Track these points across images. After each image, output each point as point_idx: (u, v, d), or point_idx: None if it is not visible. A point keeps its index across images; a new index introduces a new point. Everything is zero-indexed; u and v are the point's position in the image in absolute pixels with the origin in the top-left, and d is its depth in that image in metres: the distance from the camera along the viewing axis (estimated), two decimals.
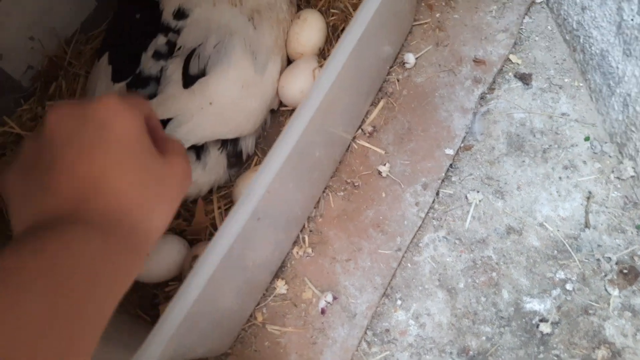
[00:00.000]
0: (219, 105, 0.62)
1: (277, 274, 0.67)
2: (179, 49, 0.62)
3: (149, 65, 0.60)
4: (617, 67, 0.65)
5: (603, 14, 0.66)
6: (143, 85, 0.59)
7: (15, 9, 0.66)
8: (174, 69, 0.61)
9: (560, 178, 0.70)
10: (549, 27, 0.81)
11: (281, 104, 0.75)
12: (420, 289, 0.66)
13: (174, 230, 0.67)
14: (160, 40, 0.61)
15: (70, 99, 0.74)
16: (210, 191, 0.69)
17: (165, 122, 0.59)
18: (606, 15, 0.65)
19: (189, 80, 0.60)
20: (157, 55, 0.61)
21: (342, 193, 0.72)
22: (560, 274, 0.64)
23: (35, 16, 0.70)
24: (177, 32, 0.62)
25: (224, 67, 0.62)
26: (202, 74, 0.61)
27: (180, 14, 0.63)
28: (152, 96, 0.59)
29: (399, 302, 0.65)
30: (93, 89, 0.60)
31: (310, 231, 0.69)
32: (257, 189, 0.45)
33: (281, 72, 0.73)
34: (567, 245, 0.65)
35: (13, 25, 0.68)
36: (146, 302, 0.65)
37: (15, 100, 0.73)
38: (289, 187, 0.56)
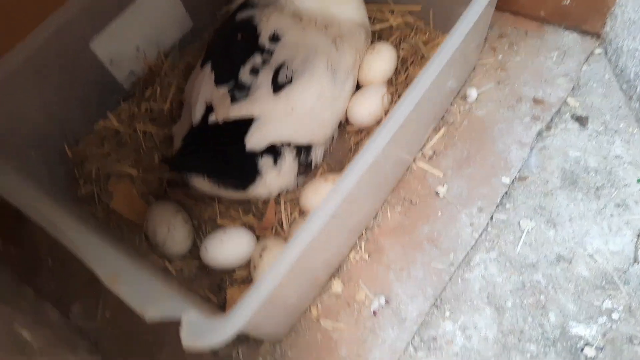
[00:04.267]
0: (299, 112, 0.70)
1: (334, 275, 0.72)
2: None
3: (245, 77, 0.69)
4: None
5: None
6: (239, 89, 0.68)
7: (130, 24, 0.77)
8: (264, 77, 0.69)
9: (612, 215, 0.73)
10: (606, 76, 0.85)
11: (348, 122, 0.82)
12: (469, 303, 0.69)
13: (244, 225, 0.74)
14: (257, 59, 0.70)
15: (162, 101, 0.83)
16: (279, 195, 0.76)
17: (250, 122, 0.67)
18: None
19: (277, 87, 0.68)
20: (253, 71, 0.69)
21: (399, 208, 0.77)
22: (607, 303, 0.66)
23: (144, 30, 0.81)
24: (271, 53, 0.71)
25: (307, 79, 0.70)
26: (289, 82, 0.69)
27: (275, 38, 0.72)
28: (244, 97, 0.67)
29: (447, 313, 0.69)
30: (197, 90, 0.69)
31: (367, 239, 0.74)
32: (337, 196, 0.52)
33: (352, 94, 0.80)
34: (616, 278, 0.68)
35: (125, 37, 0.78)
36: (214, 286, 0.71)
37: (116, 100, 0.83)
38: (358, 196, 0.62)
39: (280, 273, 0.48)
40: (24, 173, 0.69)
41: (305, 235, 0.51)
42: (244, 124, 0.67)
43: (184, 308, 0.45)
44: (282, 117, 0.69)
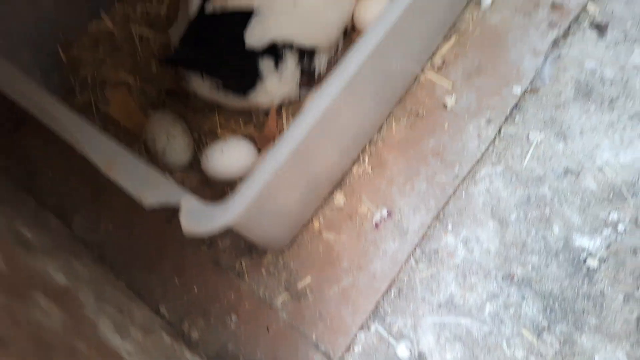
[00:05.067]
0: (302, 7, 0.66)
1: (337, 187, 0.71)
2: None
3: None
4: None
5: None
6: None
7: None
8: None
9: (624, 127, 0.70)
10: None
11: (354, 29, 0.78)
12: (472, 217, 0.68)
13: (246, 136, 0.72)
14: None
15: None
16: (280, 106, 0.73)
17: (249, 15, 0.63)
18: None
19: None
20: None
21: (405, 121, 0.74)
22: (613, 216, 0.65)
23: None
24: None
25: None
26: None
27: None
28: None
29: (449, 226, 0.68)
30: None
31: (371, 153, 0.73)
32: (334, 86, 0.49)
33: None
34: (624, 190, 0.66)
35: None
36: (217, 197, 0.70)
37: (110, 1, 0.78)
38: (358, 94, 0.59)
39: (278, 160, 0.47)
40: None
41: (303, 124, 0.49)
42: (243, 17, 0.63)
43: (182, 194, 0.45)
44: (284, 12, 0.65)
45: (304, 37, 0.68)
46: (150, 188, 0.45)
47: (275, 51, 0.66)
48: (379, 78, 0.65)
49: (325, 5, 0.68)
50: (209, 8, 0.62)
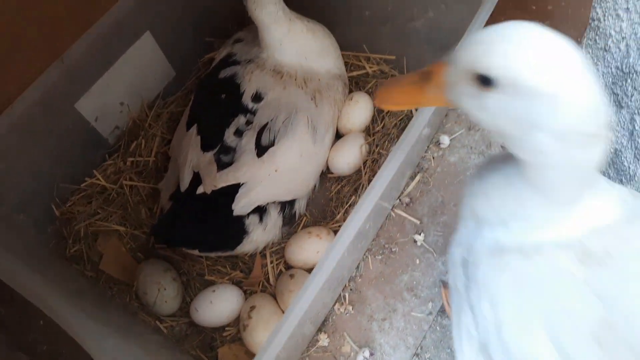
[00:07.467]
0: (283, 171, 0.72)
1: (320, 328, 0.75)
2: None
3: (230, 139, 0.71)
4: (629, 167, 0.75)
5: (618, 120, 0.76)
6: (225, 153, 0.70)
7: (114, 82, 0.78)
8: (247, 140, 0.72)
9: None
10: None
11: (328, 170, 0.86)
12: (447, 351, 0.73)
13: (232, 280, 0.76)
14: (241, 120, 0.73)
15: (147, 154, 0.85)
16: (264, 248, 0.79)
17: (237, 186, 0.69)
18: (621, 122, 0.75)
19: (261, 151, 0.71)
20: (237, 132, 0.72)
21: (380, 257, 0.80)
22: None
23: (128, 84, 0.82)
24: (254, 113, 0.74)
25: (289, 140, 0.73)
26: (272, 144, 0.72)
27: (257, 97, 0.75)
28: (230, 163, 0.70)
29: None
30: (185, 154, 0.71)
31: (351, 289, 0.78)
32: (328, 264, 0.55)
33: (332, 144, 0.84)
34: None
35: (110, 93, 0.80)
36: (205, 345, 0.73)
37: (102, 156, 0.84)
38: (345, 254, 0.65)
39: (278, 344, 0.51)
40: (13, 236, 0.71)
41: (300, 305, 0.54)
42: (231, 189, 0.69)
43: None
44: (267, 180, 0.71)
45: (285, 194, 0.75)
46: None
47: (259, 208, 0.72)
48: (360, 235, 0.72)
49: (303, 164, 0.75)
50: (200, 190, 0.68)
